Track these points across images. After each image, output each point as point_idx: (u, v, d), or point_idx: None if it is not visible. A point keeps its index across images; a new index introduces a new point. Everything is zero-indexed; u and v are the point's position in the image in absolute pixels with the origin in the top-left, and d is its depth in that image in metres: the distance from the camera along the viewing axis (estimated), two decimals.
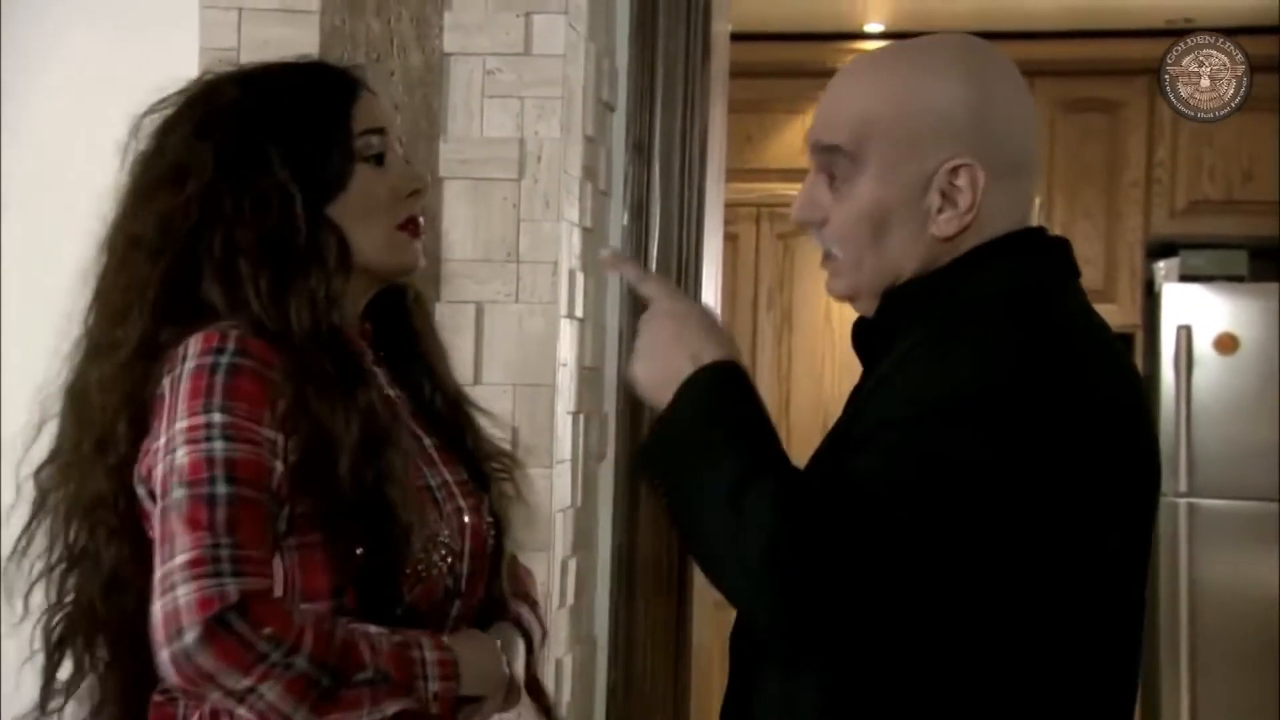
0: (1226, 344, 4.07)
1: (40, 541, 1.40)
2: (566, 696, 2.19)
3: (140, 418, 1.32)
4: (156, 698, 1.36)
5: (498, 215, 2.11)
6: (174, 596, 1.19)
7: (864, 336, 1.33)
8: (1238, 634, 4.00)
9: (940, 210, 1.22)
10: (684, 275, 2.38)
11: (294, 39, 2.06)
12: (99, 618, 1.37)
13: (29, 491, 1.40)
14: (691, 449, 1.18)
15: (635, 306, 2.34)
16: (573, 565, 2.21)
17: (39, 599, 1.41)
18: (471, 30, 2.11)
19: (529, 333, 2.10)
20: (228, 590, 1.19)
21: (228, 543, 1.21)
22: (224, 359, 1.27)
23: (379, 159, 1.40)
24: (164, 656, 1.20)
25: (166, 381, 1.29)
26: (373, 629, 1.28)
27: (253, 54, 1.82)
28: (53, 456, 1.40)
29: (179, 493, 1.24)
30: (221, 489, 1.23)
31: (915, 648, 1.12)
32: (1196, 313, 4.10)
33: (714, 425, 1.18)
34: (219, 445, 1.24)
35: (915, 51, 1.27)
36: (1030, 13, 4.04)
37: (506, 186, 2.10)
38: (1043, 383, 1.12)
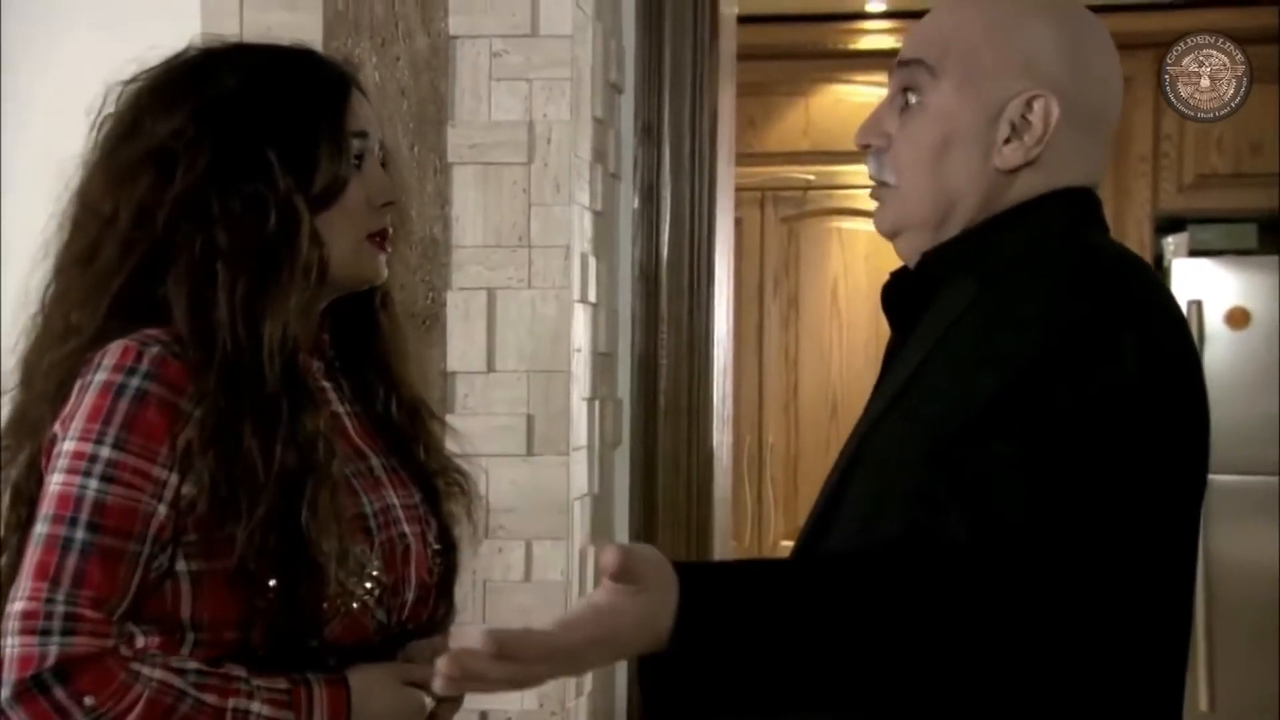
0: (1238, 318, 4.03)
1: None
2: (588, 687, 2.16)
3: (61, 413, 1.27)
4: None
5: (508, 200, 2.08)
6: (3, 645, 1.17)
7: (896, 296, 1.29)
8: (1252, 611, 3.97)
9: (1007, 140, 1.19)
10: (695, 259, 2.36)
11: (297, 24, 2.03)
12: None
13: None
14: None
15: (649, 289, 2.32)
16: (591, 553, 2.18)
17: None
18: (477, 12, 2.08)
19: (542, 318, 2.07)
20: (48, 651, 1.15)
21: (66, 597, 1.17)
22: (134, 381, 1.22)
23: (358, 164, 1.34)
24: None
25: (77, 386, 1.24)
26: (255, 709, 1.21)
27: (255, 40, 1.79)
28: (6, 430, 1.34)
29: (41, 527, 1.20)
30: (80, 534, 1.19)
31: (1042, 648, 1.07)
32: (1207, 287, 4.06)
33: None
34: (93, 485, 1.20)
35: None
36: None
37: (516, 170, 2.08)
38: (1126, 355, 1.08)
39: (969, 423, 1.07)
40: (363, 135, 1.35)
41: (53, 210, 1.34)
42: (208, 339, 1.25)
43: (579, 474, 2.13)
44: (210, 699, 1.20)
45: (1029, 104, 1.18)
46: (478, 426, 2.01)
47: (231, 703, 1.21)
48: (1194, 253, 4.14)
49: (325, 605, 1.25)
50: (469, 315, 2.08)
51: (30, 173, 2.23)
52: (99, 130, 1.34)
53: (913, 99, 1.23)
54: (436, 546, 1.39)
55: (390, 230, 1.37)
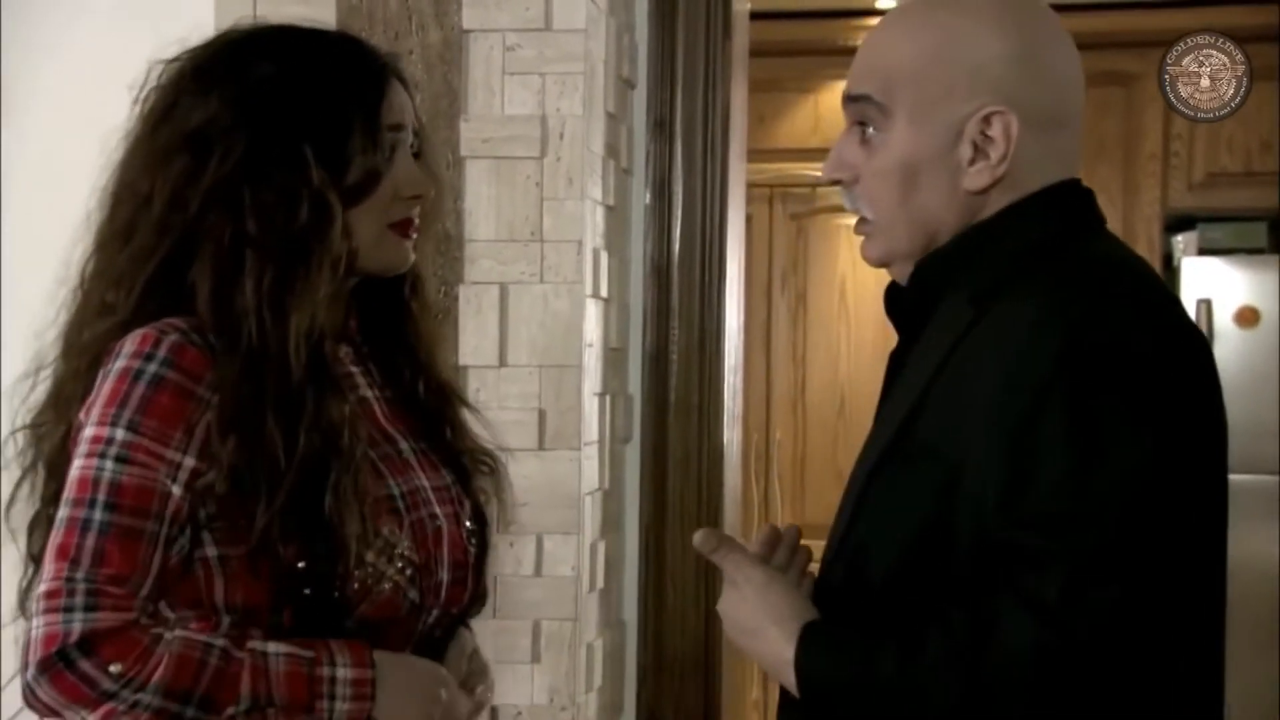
0: (1247, 317, 4.03)
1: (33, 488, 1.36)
2: (598, 681, 2.17)
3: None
4: None
5: (520, 194, 2.08)
6: (31, 627, 1.20)
7: (898, 303, 1.29)
8: (1256, 611, 3.97)
9: (972, 161, 1.17)
10: (707, 254, 2.35)
11: (311, 18, 2.00)
12: None
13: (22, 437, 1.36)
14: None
15: (660, 284, 2.32)
16: (601, 548, 2.19)
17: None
18: (490, 6, 2.08)
19: (554, 313, 2.07)
20: (72, 628, 1.18)
21: (86, 575, 1.19)
22: (150, 367, 1.23)
23: (390, 156, 1.34)
24: (19, 683, 1.20)
25: (100, 374, 1.26)
26: (272, 648, 1.23)
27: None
28: (46, 404, 1.36)
29: (62, 511, 1.22)
30: (98, 515, 1.20)
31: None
32: (1216, 286, 4.06)
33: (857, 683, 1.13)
34: (109, 465, 1.21)
35: (953, 1, 1.21)
36: None
37: (529, 165, 2.07)
38: (1131, 351, 1.07)
39: (978, 498, 1.08)
40: (398, 128, 1.35)
41: (95, 184, 1.34)
42: (232, 327, 1.25)
43: (590, 469, 2.14)
44: (250, 648, 1.22)
45: (987, 121, 1.16)
46: (489, 421, 2.01)
47: (273, 649, 1.23)
48: (1203, 251, 4.14)
49: (356, 586, 1.26)
50: (481, 309, 2.08)
51: (30, 172, 2.24)
52: (141, 106, 1.35)
53: (870, 131, 1.21)
54: (472, 526, 1.40)
55: (415, 219, 1.37)
